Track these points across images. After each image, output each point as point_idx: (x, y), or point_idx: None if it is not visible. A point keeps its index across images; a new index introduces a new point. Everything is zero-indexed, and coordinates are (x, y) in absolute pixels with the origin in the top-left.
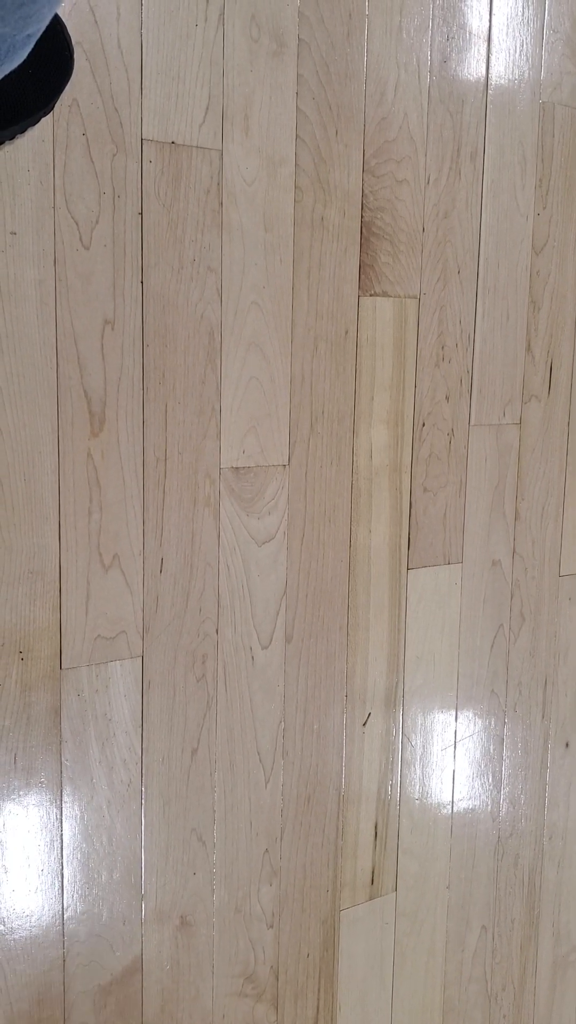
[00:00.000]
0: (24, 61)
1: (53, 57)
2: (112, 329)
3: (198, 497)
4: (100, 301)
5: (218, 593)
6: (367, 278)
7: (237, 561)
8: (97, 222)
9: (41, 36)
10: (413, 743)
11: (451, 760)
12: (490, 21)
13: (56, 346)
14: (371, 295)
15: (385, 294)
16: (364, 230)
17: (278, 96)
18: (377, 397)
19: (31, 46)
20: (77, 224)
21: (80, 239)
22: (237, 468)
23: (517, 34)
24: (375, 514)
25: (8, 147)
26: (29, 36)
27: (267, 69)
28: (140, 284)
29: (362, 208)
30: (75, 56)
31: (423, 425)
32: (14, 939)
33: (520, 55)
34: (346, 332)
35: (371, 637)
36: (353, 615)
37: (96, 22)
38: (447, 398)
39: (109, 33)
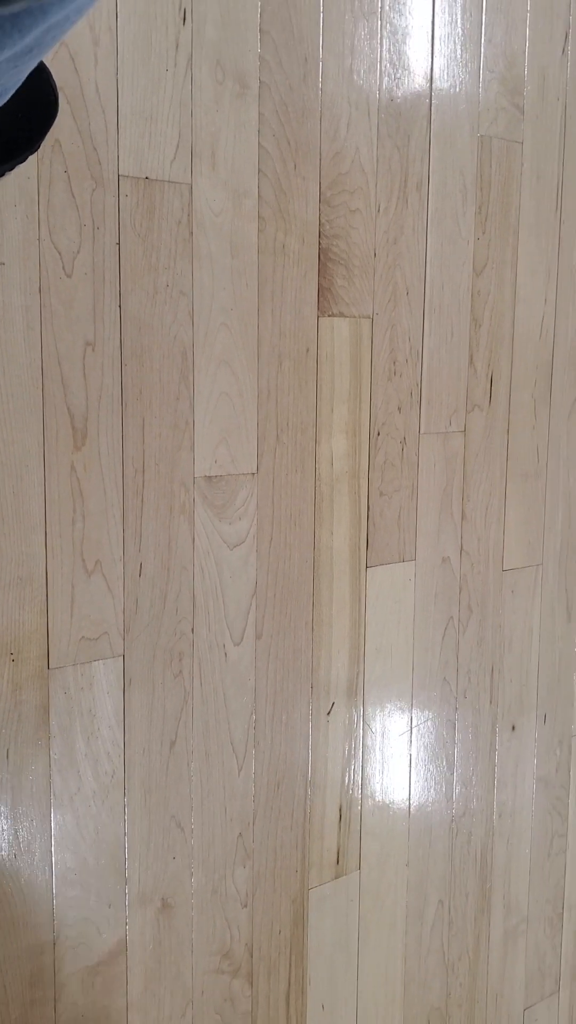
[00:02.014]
0: (14, 104)
1: (40, 100)
2: (93, 350)
3: (174, 505)
4: (82, 325)
5: (193, 594)
6: (325, 300)
7: (211, 564)
8: (78, 252)
9: (29, 81)
10: (373, 730)
11: (408, 745)
12: (431, 63)
13: (41, 367)
14: (329, 316)
15: (341, 314)
16: (322, 256)
17: (242, 133)
18: (336, 409)
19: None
20: (60, 254)
21: (63, 268)
22: (210, 477)
23: (456, 74)
24: (336, 517)
25: None
26: (7, 89)
27: (231, 109)
28: (118, 308)
29: (319, 236)
30: (59, 99)
31: (378, 434)
32: (7, 923)
33: (459, 93)
34: (307, 350)
35: (334, 632)
36: (318, 612)
37: (76, 69)
38: (399, 409)
39: (88, 78)
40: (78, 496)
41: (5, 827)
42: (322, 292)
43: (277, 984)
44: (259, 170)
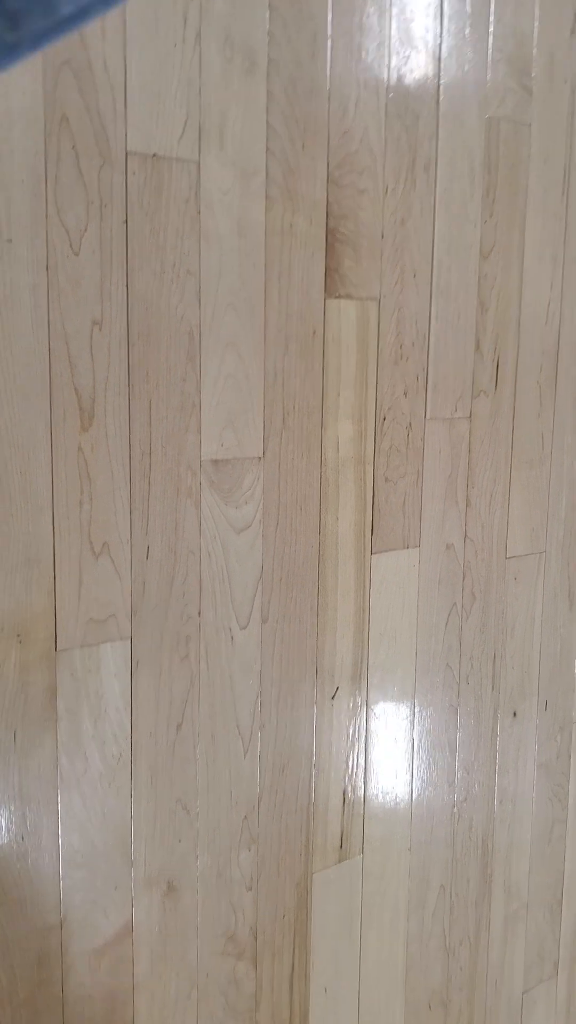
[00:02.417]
0: None
1: None
2: (100, 330)
3: (181, 488)
4: (89, 304)
5: (200, 578)
6: (332, 281)
7: (217, 548)
8: (86, 230)
9: None
10: (377, 714)
11: (411, 730)
12: (440, 42)
13: (49, 346)
14: (336, 297)
15: (349, 296)
16: (329, 236)
17: (250, 111)
18: (343, 393)
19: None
20: (68, 232)
21: (70, 246)
22: (216, 460)
23: (465, 54)
24: (342, 503)
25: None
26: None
27: (240, 86)
28: (126, 288)
29: (327, 216)
30: (64, 75)
31: (384, 419)
32: (17, 905)
33: (468, 73)
34: (314, 332)
35: (339, 617)
36: (323, 597)
37: (84, 43)
38: (405, 394)
39: (96, 53)
40: (85, 477)
41: (13, 809)
42: (329, 273)
43: (281, 967)
44: (267, 149)
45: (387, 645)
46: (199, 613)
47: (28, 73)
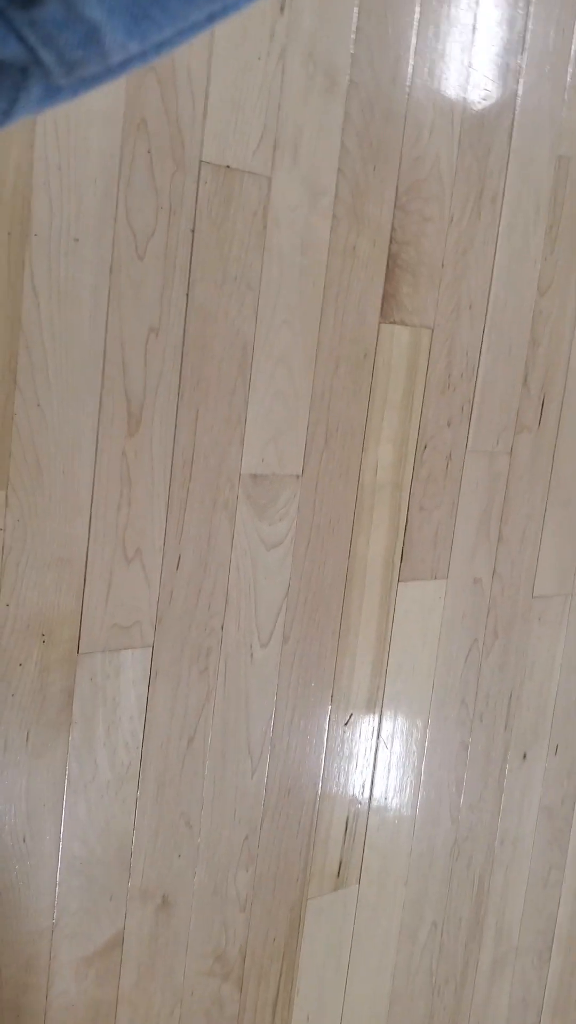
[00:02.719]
0: None
1: None
2: (156, 337)
3: (218, 500)
4: (148, 309)
5: (227, 592)
6: (388, 306)
7: (247, 563)
8: (152, 235)
9: None
10: (388, 745)
11: (420, 763)
12: (520, 77)
13: (104, 349)
14: (391, 322)
15: (403, 322)
16: (390, 261)
17: (325, 130)
18: (387, 418)
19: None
20: (134, 235)
21: (136, 250)
22: (255, 475)
23: (543, 91)
24: (374, 527)
25: (74, 154)
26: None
27: (318, 104)
28: (186, 296)
29: (391, 240)
30: (148, 79)
31: (425, 447)
32: (11, 907)
33: (543, 110)
34: (365, 355)
35: (359, 643)
36: (345, 621)
37: None
38: (448, 424)
39: (181, 60)
40: (126, 482)
41: (19, 809)
42: (386, 298)
43: (266, 991)
44: (339, 168)
45: (405, 676)
46: (222, 627)
47: None
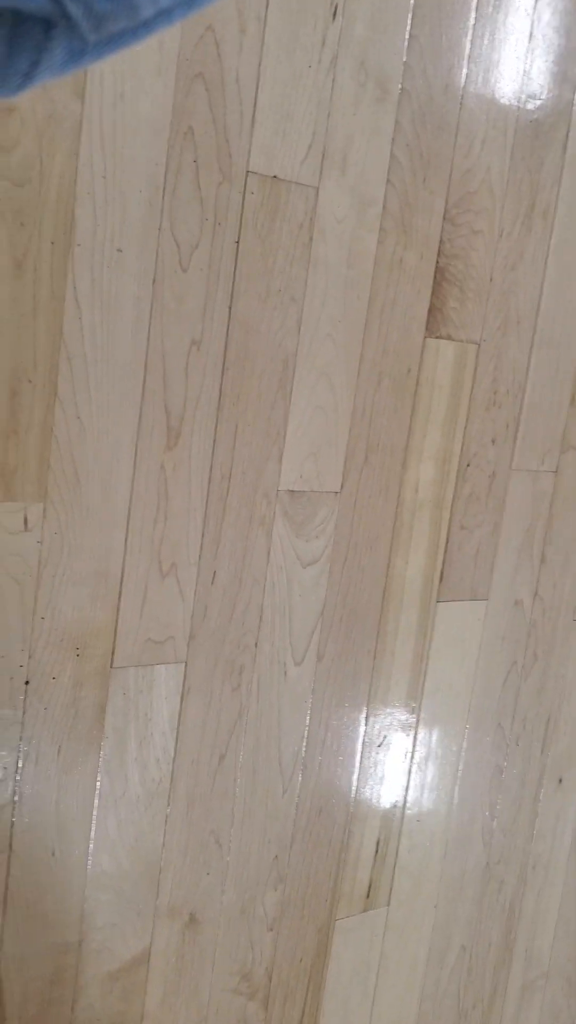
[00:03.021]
0: None
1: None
2: (198, 350)
3: (254, 515)
4: (190, 322)
5: (261, 608)
6: (434, 320)
7: (282, 580)
8: (197, 246)
9: None
10: (422, 768)
11: (453, 786)
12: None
13: (145, 361)
14: (436, 337)
15: (449, 337)
16: (437, 275)
17: (375, 140)
18: (429, 434)
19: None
20: (178, 247)
21: (179, 261)
22: (293, 491)
23: None
24: (413, 546)
25: (119, 162)
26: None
27: (369, 114)
28: (228, 309)
29: (438, 254)
30: (196, 87)
31: (468, 465)
32: (39, 920)
33: None
34: (408, 370)
35: (395, 663)
36: (381, 641)
37: (219, 55)
38: (493, 441)
39: (230, 66)
40: (163, 496)
41: (49, 822)
42: (432, 312)
43: (291, 1012)
44: (388, 180)
45: (441, 698)
46: (256, 644)
47: (161, 82)
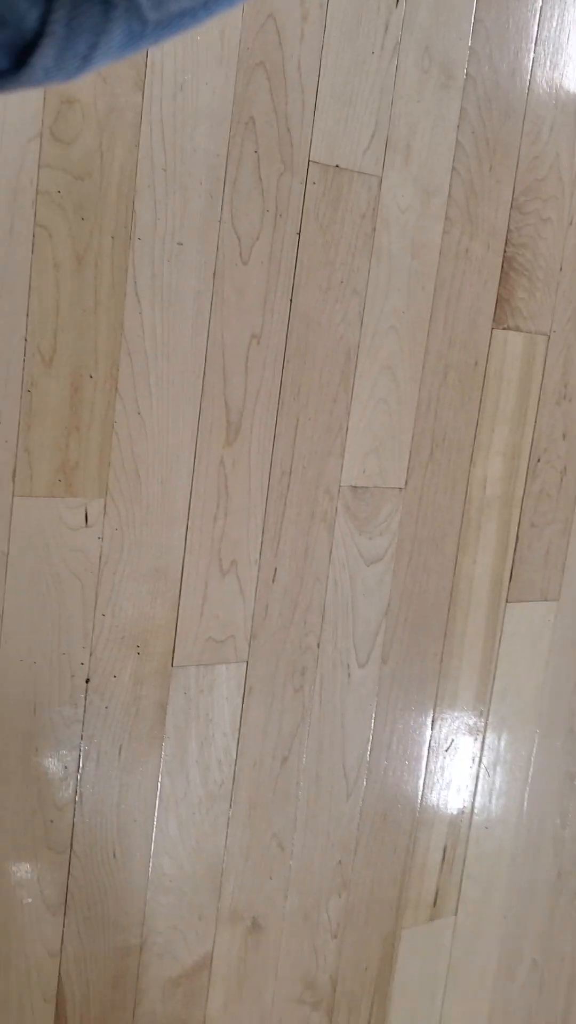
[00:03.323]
0: None
1: None
2: (258, 344)
3: (316, 512)
4: (250, 316)
5: (324, 608)
6: (502, 311)
7: (345, 578)
8: (258, 239)
9: None
10: (490, 773)
11: (523, 792)
12: None
13: (205, 356)
14: (504, 328)
15: (517, 328)
16: (505, 264)
17: (440, 128)
18: (497, 429)
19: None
20: (239, 239)
21: (240, 254)
22: (356, 487)
23: None
24: (481, 545)
25: (178, 155)
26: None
27: (433, 100)
28: (289, 302)
29: (506, 243)
30: (257, 76)
31: (538, 461)
32: (99, 920)
33: None
34: (475, 363)
35: (463, 666)
36: (449, 643)
37: (280, 43)
38: (564, 436)
39: (291, 54)
40: (223, 493)
41: (110, 823)
42: (500, 303)
43: (356, 1022)
44: (453, 168)
45: (510, 702)
46: (318, 645)
47: (222, 72)
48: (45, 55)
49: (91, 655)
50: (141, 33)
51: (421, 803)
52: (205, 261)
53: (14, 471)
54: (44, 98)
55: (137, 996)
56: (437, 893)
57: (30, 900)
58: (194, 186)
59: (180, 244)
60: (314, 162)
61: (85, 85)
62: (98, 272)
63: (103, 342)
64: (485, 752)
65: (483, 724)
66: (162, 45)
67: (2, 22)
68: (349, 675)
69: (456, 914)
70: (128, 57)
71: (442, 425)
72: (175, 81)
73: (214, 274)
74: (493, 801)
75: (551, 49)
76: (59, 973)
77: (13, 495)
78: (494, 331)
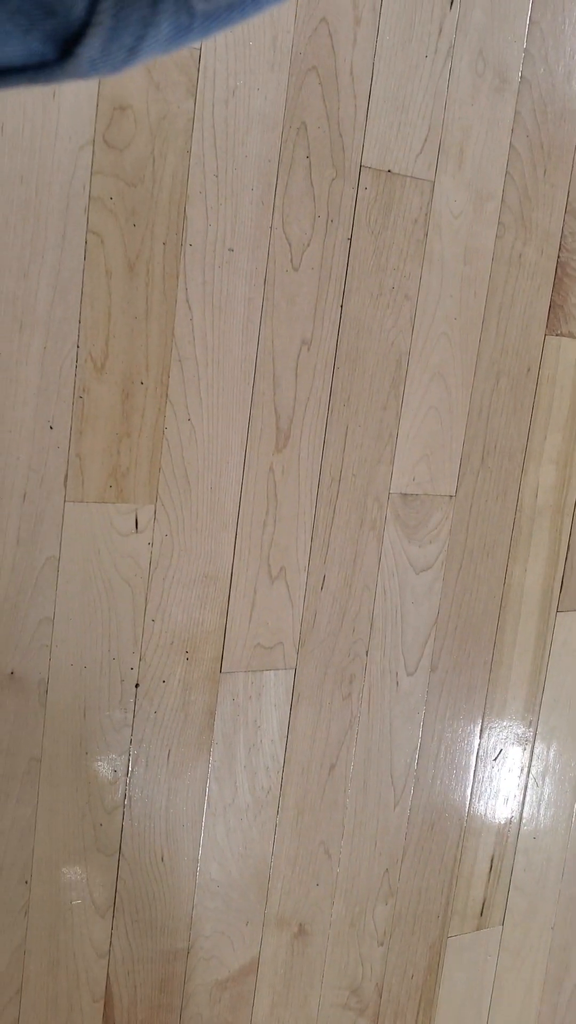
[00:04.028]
0: None
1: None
2: (308, 350)
3: (365, 519)
4: (301, 322)
5: (372, 616)
6: (555, 318)
7: (394, 586)
8: (308, 244)
9: None
10: (539, 783)
11: (572, 803)
12: None
13: (256, 362)
14: (557, 335)
15: (571, 335)
16: (559, 270)
17: (494, 132)
18: (550, 437)
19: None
20: (290, 245)
21: (291, 260)
22: (405, 495)
23: None
24: (533, 553)
25: (227, 162)
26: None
27: (487, 104)
28: (340, 308)
29: (560, 248)
30: (310, 80)
31: None
32: (147, 925)
33: None
34: (528, 369)
35: (512, 675)
36: (498, 651)
37: (333, 48)
38: None
39: (344, 58)
40: (272, 499)
41: (158, 827)
42: (553, 309)
43: None
44: (507, 172)
45: (560, 712)
46: (367, 652)
47: (274, 77)
48: (91, 46)
49: (141, 660)
50: (189, 26)
51: (469, 812)
52: (256, 267)
53: (66, 476)
54: (97, 104)
55: (184, 999)
56: (484, 903)
57: (79, 902)
58: (245, 192)
59: (231, 250)
60: (366, 167)
61: (137, 91)
62: (150, 278)
63: (154, 348)
64: (534, 762)
65: (532, 734)
66: (215, 49)
67: (50, 11)
68: (397, 683)
69: (503, 924)
70: (174, 51)
71: (494, 432)
72: (227, 86)
73: (265, 280)
74: (542, 811)
75: None
76: (107, 974)
77: (65, 500)
78: (547, 337)
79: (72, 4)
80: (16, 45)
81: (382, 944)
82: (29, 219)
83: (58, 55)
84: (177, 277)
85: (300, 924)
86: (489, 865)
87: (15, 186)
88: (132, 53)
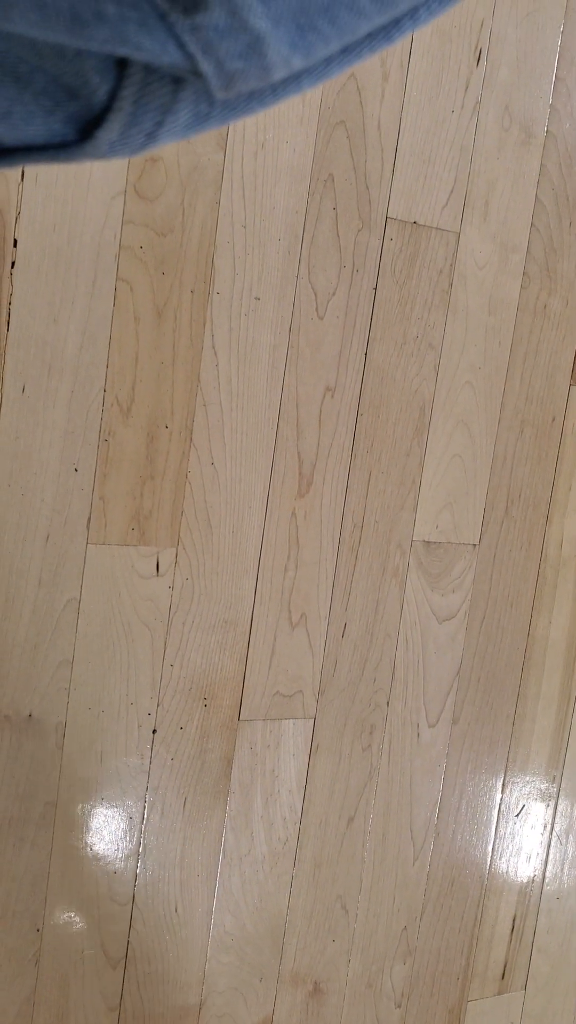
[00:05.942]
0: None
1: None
2: (332, 397)
3: (387, 567)
4: (325, 369)
5: (394, 665)
6: None
7: (416, 635)
8: (334, 294)
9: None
10: (562, 841)
11: None
12: None
13: (280, 408)
14: None
15: None
16: None
17: (519, 185)
18: (575, 487)
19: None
20: (316, 294)
21: (316, 309)
22: (428, 542)
23: None
24: (557, 605)
25: (259, 213)
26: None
27: (513, 158)
28: (364, 356)
29: None
30: (338, 134)
31: None
32: (158, 976)
33: None
34: (553, 419)
35: (536, 729)
36: (522, 705)
37: (361, 103)
38: None
39: (371, 113)
40: (294, 544)
41: (172, 877)
42: None
43: None
44: (532, 224)
45: None
46: (387, 703)
47: (303, 131)
48: (111, 129)
49: (158, 706)
50: (208, 114)
51: (490, 870)
52: (282, 316)
53: (89, 519)
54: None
55: None
56: (506, 966)
57: (91, 951)
58: (272, 242)
59: (257, 299)
60: (392, 219)
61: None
62: (177, 325)
63: (180, 393)
64: (557, 819)
65: (556, 790)
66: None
67: (73, 95)
68: (418, 735)
69: (525, 988)
70: (193, 136)
71: (518, 482)
72: (256, 140)
73: (290, 328)
74: (565, 871)
75: None
76: None
77: (87, 542)
78: (572, 388)
79: (95, 89)
80: (39, 125)
81: (399, 1006)
82: (60, 266)
83: (78, 136)
84: (204, 324)
85: (315, 982)
86: (511, 926)
87: (48, 234)
88: (151, 138)
